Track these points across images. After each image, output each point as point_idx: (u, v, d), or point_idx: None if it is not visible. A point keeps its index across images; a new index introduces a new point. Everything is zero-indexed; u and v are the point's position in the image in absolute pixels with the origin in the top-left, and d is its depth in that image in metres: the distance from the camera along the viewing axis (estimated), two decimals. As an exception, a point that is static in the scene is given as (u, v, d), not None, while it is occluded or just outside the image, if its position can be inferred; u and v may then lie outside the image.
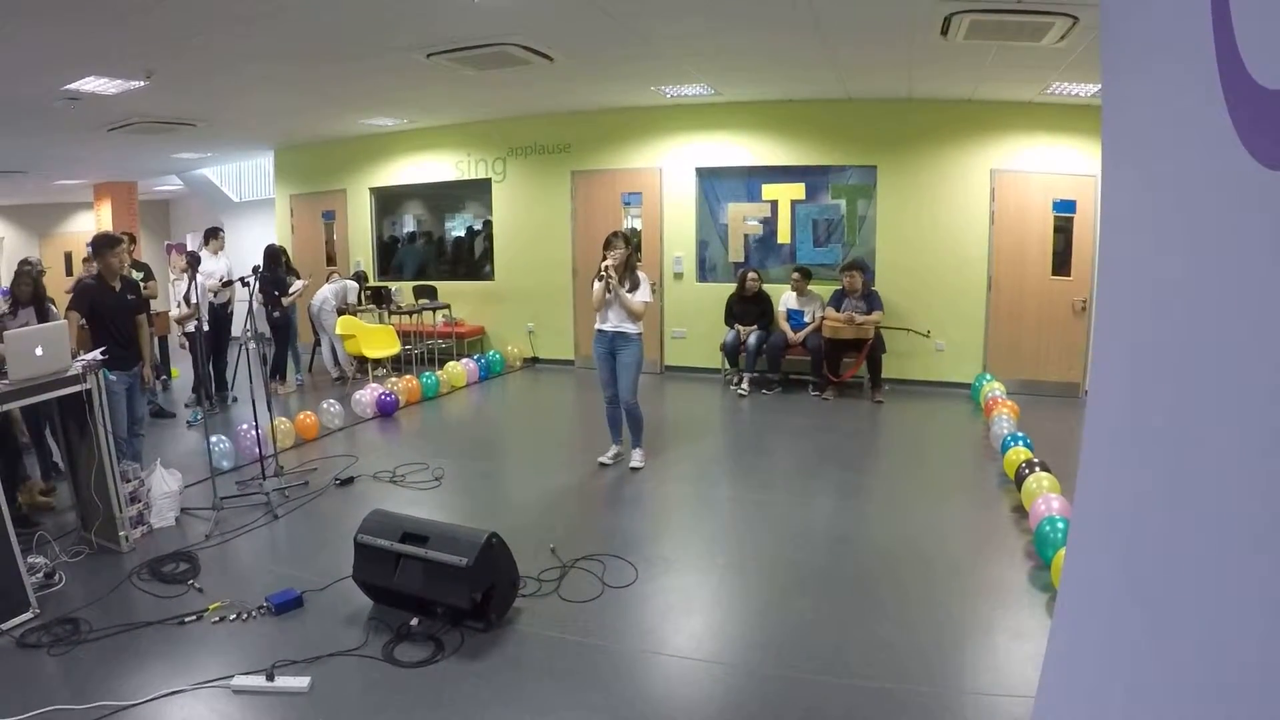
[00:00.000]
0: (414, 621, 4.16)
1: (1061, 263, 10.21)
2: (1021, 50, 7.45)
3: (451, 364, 11.22)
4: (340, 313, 11.59)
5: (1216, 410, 1.41)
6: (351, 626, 4.27)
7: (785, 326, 10.50)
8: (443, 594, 4.14)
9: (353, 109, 11.17)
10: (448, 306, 12.84)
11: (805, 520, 6.01)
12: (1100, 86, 2.29)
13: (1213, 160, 1.41)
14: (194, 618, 4.31)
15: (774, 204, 11.22)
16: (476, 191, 13.30)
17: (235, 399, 10.12)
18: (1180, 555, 1.53)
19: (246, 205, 17.20)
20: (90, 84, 8.29)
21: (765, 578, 4.92)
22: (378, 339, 11.54)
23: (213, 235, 10.70)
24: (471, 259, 13.83)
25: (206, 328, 9.28)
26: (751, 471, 7.45)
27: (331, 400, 8.89)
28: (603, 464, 7.12)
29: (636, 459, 7.08)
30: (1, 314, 6.43)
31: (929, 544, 5.46)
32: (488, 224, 13.29)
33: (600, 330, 6.86)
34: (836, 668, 3.83)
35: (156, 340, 9.65)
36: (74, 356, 5.11)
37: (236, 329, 10.21)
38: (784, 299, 10.62)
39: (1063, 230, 10.17)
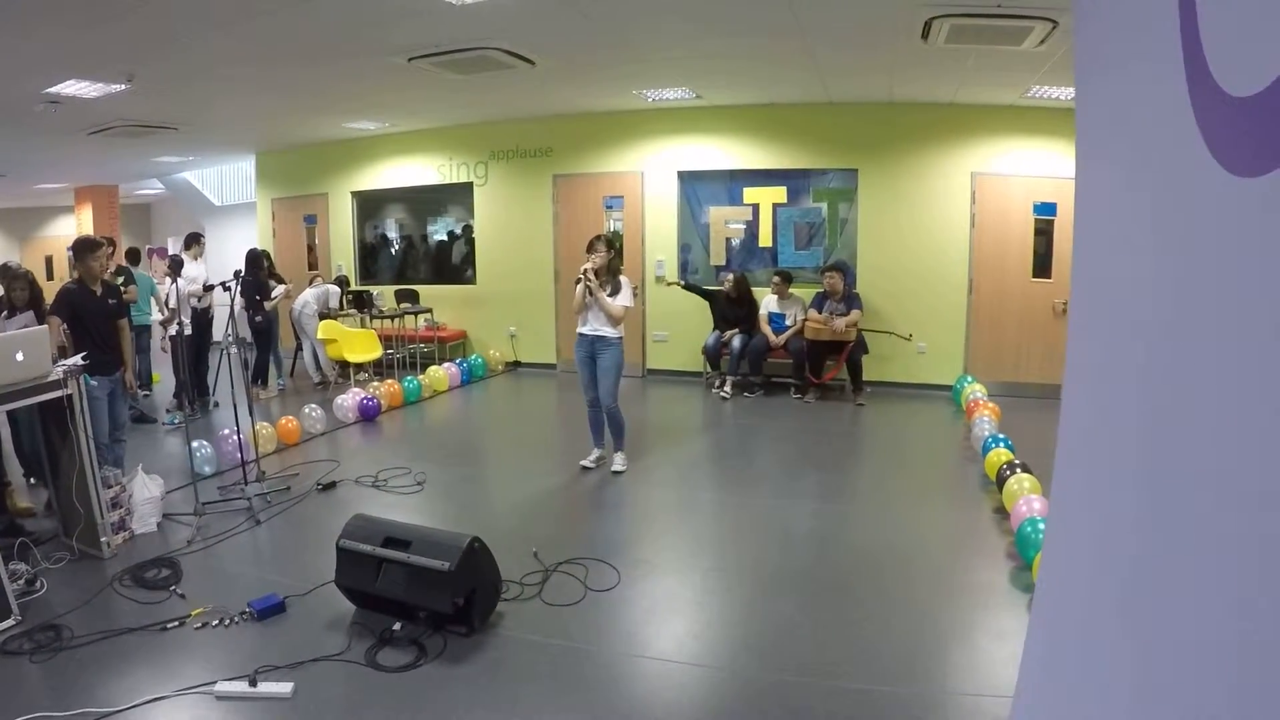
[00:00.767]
0: (396, 626, 4.15)
1: (1042, 265, 10.28)
2: (1002, 54, 7.50)
3: (433, 368, 11.20)
4: (322, 317, 11.55)
5: (1187, 411, 1.43)
6: (334, 631, 4.26)
7: (767, 329, 10.52)
8: (425, 598, 4.13)
9: (334, 112, 11.15)
10: (429, 310, 12.82)
11: (787, 522, 6.03)
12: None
13: (1181, 166, 1.43)
14: (176, 624, 4.29)
15: (755, 207, 11.25)
16: (458, 195, 13.29)
17: (217, 404, 10.08)
18: (1154, 554, 1.54)
19: (228, 209, 17.14)
20: (71, 87, 8.27)
21: (747, 580, 4.93)
22: (359, 343, 11.50)
23: (194, 240, 10.66)
24: (453, 263, 13.81)
25: (188, 332, 9.24)
26: (733, 474, 7.46)
27: (313, 405, 8.87)
28: (585, 468, 7.12)
29: (618, 463, 7.08)
30: None
31: (911, 545, 5.48)
32: (469, 228, 13.29)
33: (581, 334, 6.86)
34: (819, 669, 3.84)
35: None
36: (55, 361, 5.08)
37: (218, 334, 10.18)
38: (765, 302, 10.64)
39: (1044, 233, 10.24)
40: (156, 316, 9.46)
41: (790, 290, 10.54)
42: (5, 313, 6.27)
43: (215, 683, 3.66)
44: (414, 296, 12.86)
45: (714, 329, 10.84)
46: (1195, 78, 1.38)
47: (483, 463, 8.21)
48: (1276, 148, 1.11)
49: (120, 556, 5.24)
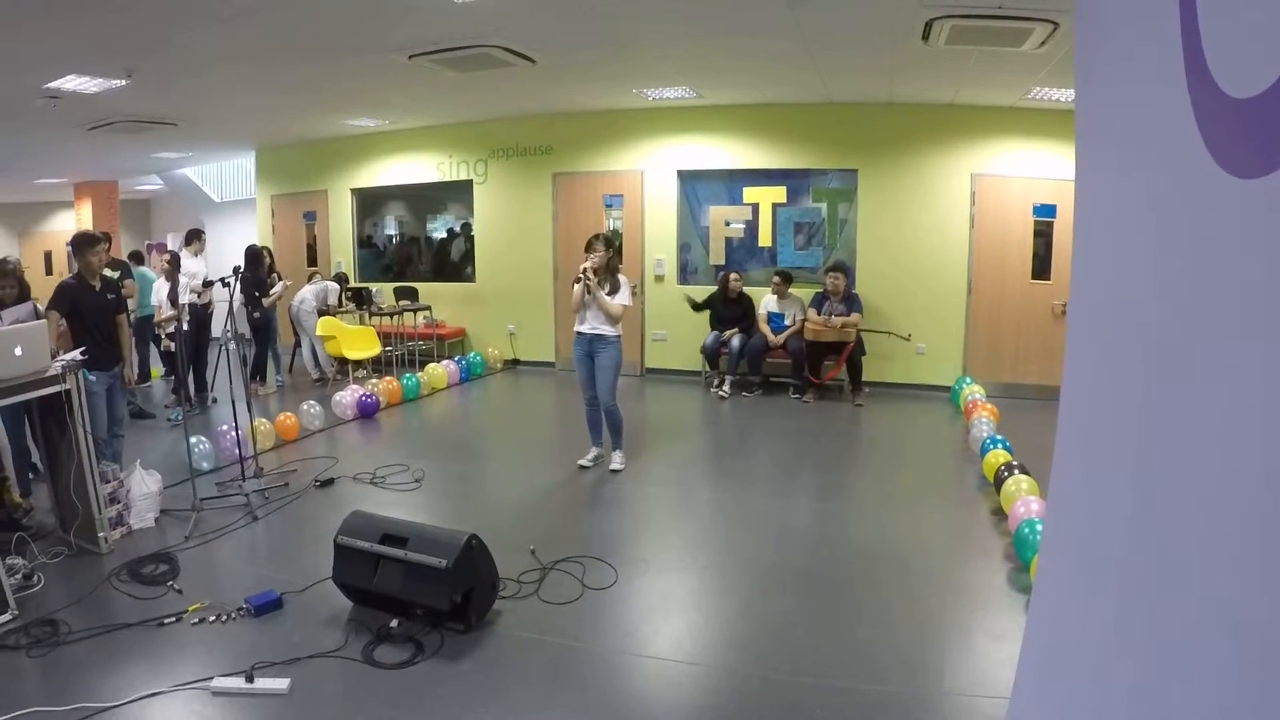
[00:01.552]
0: (394, 623, 4.15)
1: (1042, 267, 10.29)
2: (1002, 55, 7.50)
3: (432, 366, 11.20)
4: (321, 313, 11.54)
5: (1186, 413, 1.43)
6: (331, 628, 4.26)
7: (766, 329, 10.53)
8: (422, 595, 4.14)
9: (334, 109, 11.15)
10: (428, 308, 12.82)
11: (785, 522, 6.03)
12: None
13: (1181, 168, 1.43)
14: (173, 619, 4.29)
15: (755, 207, 11.26)
16: (458, 193, 13.30)
17: (215, 400, 10.08)
18: (1151, 556, 1.55)
19: (228, 205, 17.14)
20: (71, 83, 8.27)
21: (745, 579, 4.94)
22: (358, 340, 11.50)
23: (195, 237, 10.65)
24: (453, 260, 13.81)
25: (185, 327, 9.23)
26: (731, 473, 7.46)
27: (312, 401, 8.87)
28: (582, 466, 7.12)
29: (616, 461, 7.08)
30: None
31: (908, 546, 5.48)
32: (468, 225, 13.30)
33: (579, 332, 6.86)
34: (815, 668, 3.85)
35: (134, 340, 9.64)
36: (53, 356, 5.08)
37: (217, 330, 10.17)
38: (764, 302, 10.65)
39: (1043, 234, 10.25)
40: (169, 312, 9.42)
41: (789, 290, 10.54)
42: None
43: (212, 678, 3.66)
44: (413, 294, 12.86)
45: (711, 330, 10.84)
46: (1196, 79, 1.38)
47: (481, 460, 8.21)
48: (1276, 149, 1.11)
49: (118, 552, 5.23)
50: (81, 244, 6.18)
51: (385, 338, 12.09)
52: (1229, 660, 1.21)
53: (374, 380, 10.22)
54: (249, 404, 7.04)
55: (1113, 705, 1.67)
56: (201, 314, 10.06)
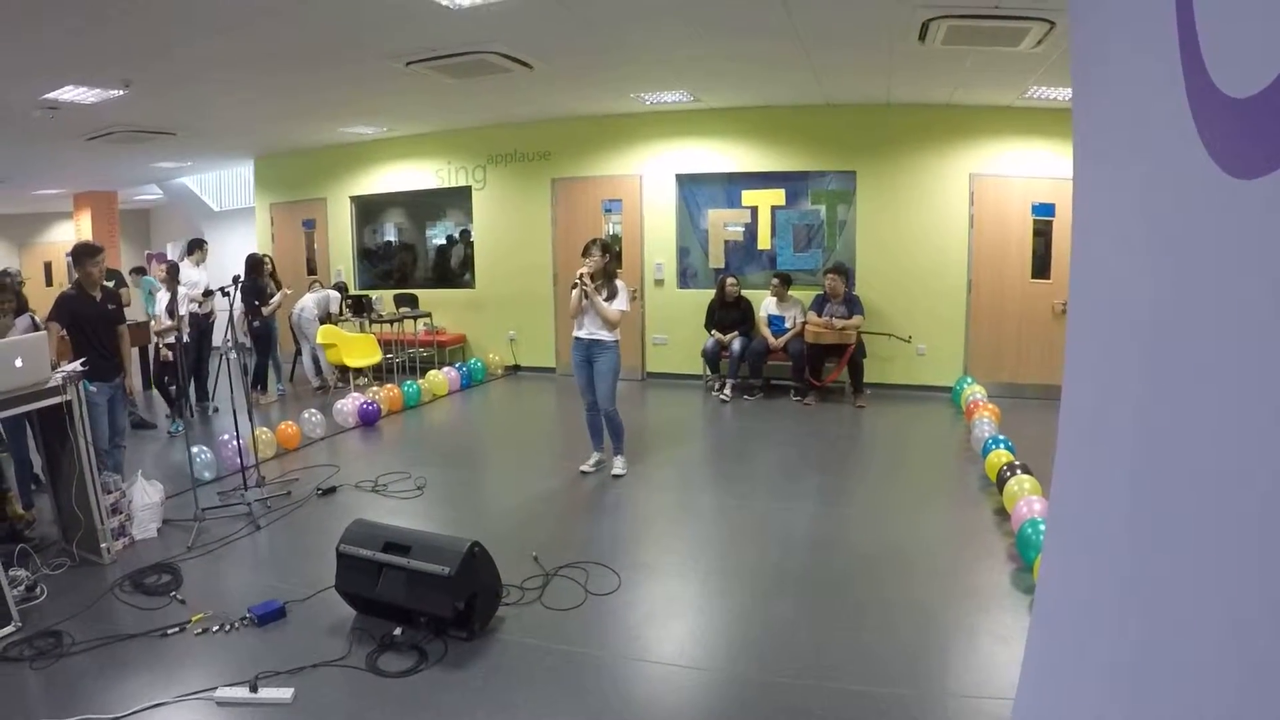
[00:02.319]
0: (397, 631, 4.15)
1: (1041, 266, 10.29)
2: (999, 55, 7.51)
3: (433, 372, 11.19)
4: (322, 321, 11.54)
5: (1186, 412, 1.43)
6: (334, 637, 4.25)
7: (766, 332, 10.53)
8: (425, 603, 4.13)
9: (332, 117, 11.16)
10: (429, 315, 12.83)
11: (787, 525, 6.02)
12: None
13: (1178, 167, 1.43)
14: (176, 630, 4.29)
15: (754, 210, 11.26)
16: (457, 199, 13.30)
17: (216, 409, 10.07)
18: (1153, 555, 1.55)
19: (227, 214, 17.15)
20: (69, 93, 8.28)
21: (747, 583, 4.93)
22: (359, 348, 11.50)
23: (196, 246, 10.66)
24: (452, 267, 13.82)
25: (186, 339, 9.23)
26: (733, 477, 7.46)
27: (313, 410, 8.85)
28: (584, 472, 7.11)
29: (618, 466, 7.07)
30: None
31: (911, 547, 5.48)
32: (467, 232, 13.31)
33: (577, 338, 6.85)
34: (818, 671, 3.84)
35: (137, 350, 9.65)
36: (54, 367, 5.08)
37: (218, 339, 10.16)
38: (765, 304, 10.65)
39: (1042, 233, 10.25)
40: (168, 322, 9.41)
41: (789, 293, 10.54)
42: None
43: (216, 689, 3.65)
44: (413, 301, 12.86)
45: (710, 334, 10.83)
46: (1193, 78, 1.38)
47: (482, 467, 8.21)
48: (1273, 149, 1.11)
49: (120, 562, 5.23)
50: (81, 255, 6.18)
51: (386, 345, 12.08)
52: (1231, 660, 1.21)
53: (375, 388, 10.23)
54: (250, 413, 7.03)
55: (1116, 705, 1.67)
56: (203, 323, 10.07)
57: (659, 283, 11.75)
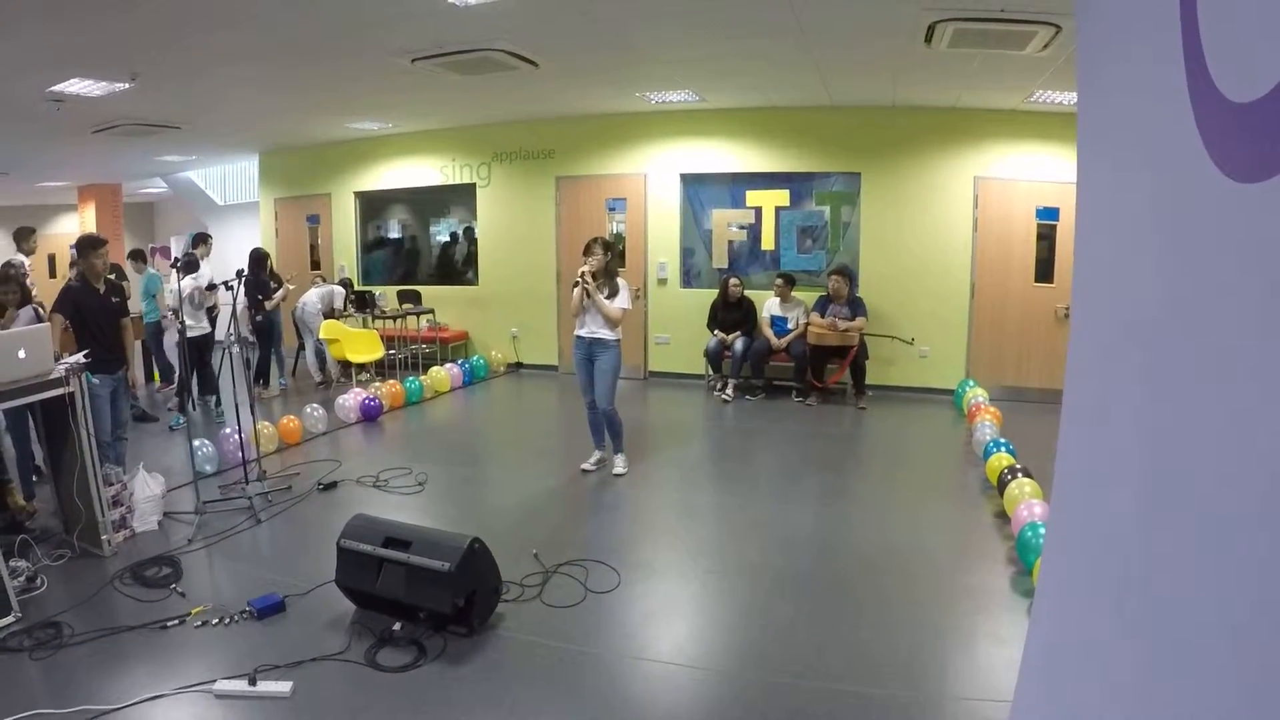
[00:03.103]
0: (396, 626, 4.15)
1: (1045, 270, 10.28)
2: (1005, 59, 7.50)
3: (435, 369, 11.20)
4: (326, 316, 11.54)
5: (1188, 416, 1.43)
6: (334, 631, 4.26)
7: (769, 333, 10.53)
8: (425, 599, 4.14)
9: (337, 113, 11.17)
10: (431, 311, 12.84)
11: (787, 525, 6.02)
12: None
13: (1182, 172, 1.43)
14: (176, 622, 4.30)
15: (758, 210, 11.26)
16: (461, 196, 13.30)
17: (222, 412, 9.81)
18: (1154, 559, 1.55)
19: (231, 209, 17.14)
20: (75, 86, 8.28)
21: (747, 582, 4.93)
22: (361, 343, 11.51)
23: (201, 240, 10.65)
24: (455, 264, 13.83)
25: (195, 333, 9.22)
26: (734, 477, 7.47)
27: (315, 405, 8.87)
28: (585, 470, 7.12)
29: (619, 465, 7.08)
30: None
31: (911, 549, 5.48)
32: (471, 229, 13.32)
33: (578, 336, 6.86)
34: (818, 672, 3.84)
35: (140, 344, 9.64)
36: (57, 359, 5.08)
37: (221, 333, 10.14)
38: (768, 305, 10.65)
39: (1046, 238, 10.24)
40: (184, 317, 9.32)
41: (792, 293, 10.54)
42: None
43: (215, 681, 3.66)
44: (416, 297, 12.88)
45: (712, 334, 10.84)
46: (1196, 83, 1.38)
47: (484, 464, 8.21)
48: (1276, 154, 1.11)
49: (121, 554, 5.24)
50: (86, 247, 6.19)
51: (388, 341, 12.08)
52: (1231, 664, 1.21)
53: (377, 384, 10.23)
54: (252, 407, 7.04)
55: (1115, 709, 1.67)
56: (206, 317, 10.04)
57: (662, 282, 11.75)
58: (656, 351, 11.95)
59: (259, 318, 10.47)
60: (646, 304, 11.73)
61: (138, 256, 10.81)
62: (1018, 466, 6.08)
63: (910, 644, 4.13)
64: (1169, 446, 1.51)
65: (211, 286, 8.96)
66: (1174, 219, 1.50)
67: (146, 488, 5.77)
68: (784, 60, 8.28)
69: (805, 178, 11.08)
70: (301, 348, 12.09)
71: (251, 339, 10.50)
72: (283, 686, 3.64)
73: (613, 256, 6.84)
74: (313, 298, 11.65)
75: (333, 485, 6.80)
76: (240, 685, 3.63)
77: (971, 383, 9.86)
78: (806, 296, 10.61)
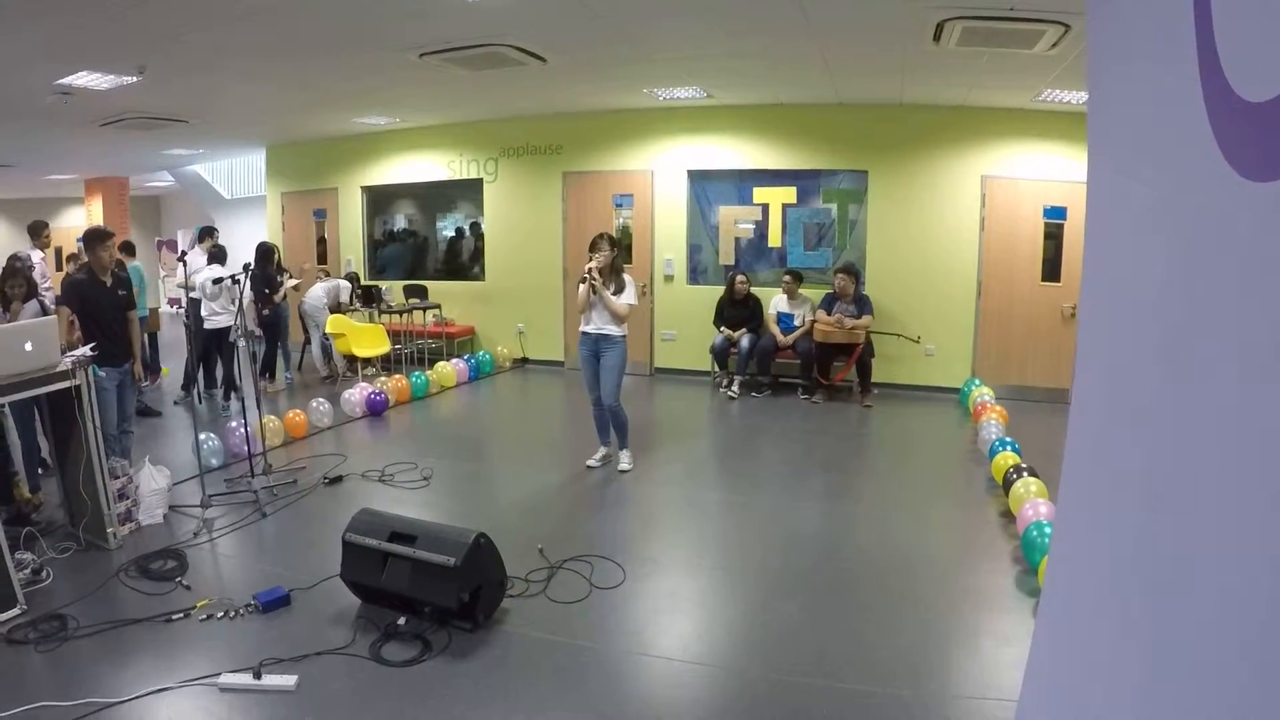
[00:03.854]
0: (401, 621, 4.15)
1: (1052, 269, 10.25)
2: (1013, 57, 7.48)
3: (441, 364, 11.20)
4: (332, 310, 11.55)
5: (1196, 415, 1.42)
6: (339, 625, 4.27)
7: (775, 330, 10.53)
8: (430, 593, 4.14)
9: (345, 107, 11.16)
10: (438, 306, 12.86)
11: (793, 523, 6.02)
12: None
13: (1194, 170, 1.43)
14: (181, 615, 4.30)
15: (765, 207, 11.24)
16: (468, 191, 13.30)
17: (227, 409, 9.77)
18: (1160, 559, 1.54)
19: (238, 202, 17.19)
20: (83, 79, 8.29)
21: (752, 580, 4.93)
22: (368, 338, 11.51)
23: (207, 234, 10.65)
24: (462, 259, 13.83)
25: (210, 325, 9.24)
26: (740, 474, 7.47)
27: (321, 399, 8.87)
28: (590, 466, 7.11)
29: (624, 461, 7.08)
30: None
31: (916, 548, 5.48)
32: (478, 224, 13.31)
33: (584, 332, 6.85)
34: (822, 670, 3.84)
35: (146, 337, 9.65)
36: (63, 352, 5.09)
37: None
38: (775, 302, 10.65)
39: (1053, 237, 10.22)
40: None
41: (800, 290, 10.53)
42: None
43: (220, 675, 3.67)
44: (423, 292, 12.88)
45: (719, 331, 10.83)
46: (1210, 82, 1.37)
47: (489, 459, 8.22)
48: (1290, 153, 1.11)
49: (126, 547, 5.25)
50: (92, 239, 6.17)
51: (395, 336, 12.08)
52: (1237, 664, 1.21)
53: (383, 378, 10.23)
54: (258, 401, 7.05)
55: (1120, 709, 1.67)
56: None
57: (669, 278, 11.74)
58: (662, 348, 11.94)
59: (265, 312, 10.47)
60: (653, 300, 11.71)
61: (126, 249, 10.81)
62: (1023, 465, 6.07)
63: (914, 642, 4.13)
64: (1178, 446, 1.50)
65: (218, 280, 8.97)
66: (1186, 217, 1.50)
67: (152, 481, 5.78)
68: (792, 58, 8.28)
69: (812, 175, 11.06)
70: (308, 342, 12.09)
71: (258, 333, 10.51)
72: (288, 680, 3.65)
73: (619, 252, 6.83)
74: (319, 291, 11.66)
75: (338, 479, 6.80)
76: (245, 679, 3.64)
77: (977, 381, 9.84)
78: (813, 294, 10.60)
